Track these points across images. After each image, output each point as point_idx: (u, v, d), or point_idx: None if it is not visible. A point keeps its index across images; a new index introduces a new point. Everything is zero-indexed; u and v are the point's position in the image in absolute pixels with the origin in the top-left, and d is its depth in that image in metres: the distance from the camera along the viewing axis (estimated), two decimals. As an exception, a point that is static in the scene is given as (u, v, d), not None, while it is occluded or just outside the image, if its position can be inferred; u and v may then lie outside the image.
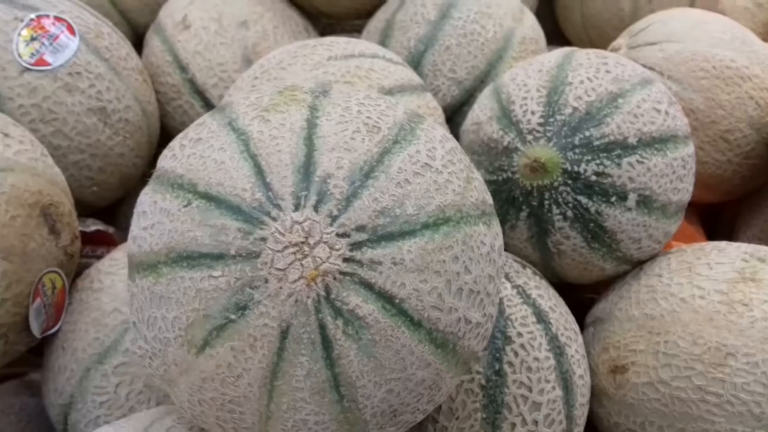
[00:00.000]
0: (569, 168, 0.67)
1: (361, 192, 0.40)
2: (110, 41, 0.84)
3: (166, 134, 0.94)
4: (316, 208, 0.40)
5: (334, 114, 0.43)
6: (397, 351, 0.40)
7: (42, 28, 0.77)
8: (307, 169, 0.40)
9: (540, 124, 0.69)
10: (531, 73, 0.73)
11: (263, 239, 0.39)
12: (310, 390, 0.40)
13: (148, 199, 0.44)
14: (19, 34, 0.75)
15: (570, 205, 0.68)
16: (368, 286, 0.39)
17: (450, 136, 0.48)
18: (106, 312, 0.66)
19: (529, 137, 0.69)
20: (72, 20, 0.79)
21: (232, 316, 0.39)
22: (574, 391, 0.65)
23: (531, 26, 0.94)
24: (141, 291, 0.42)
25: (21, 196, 0.60)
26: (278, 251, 0.39)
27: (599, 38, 1.16)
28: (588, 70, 0.71)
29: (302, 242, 0.39)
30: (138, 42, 0.97)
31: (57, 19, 0.78)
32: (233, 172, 0.41)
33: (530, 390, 0.61)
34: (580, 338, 0.69)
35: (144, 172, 0.92)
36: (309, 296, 0.39)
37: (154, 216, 0.42)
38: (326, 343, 0.39)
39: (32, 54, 0.75)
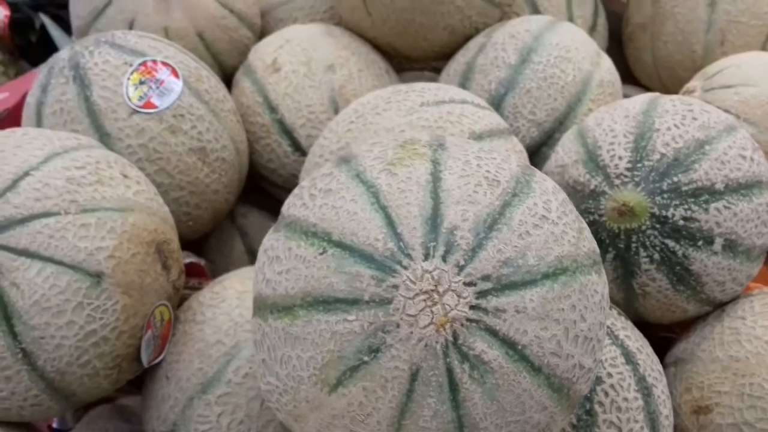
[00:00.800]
0: (657, 212, 0.69)
1: (485, 243, 0.43)
2: (209, 84, 0.89)
3: (252, 171, 0.99)
4: (444, 258, 0.42)
5: (456, 168, 0.46)
6: (519, 395, 0.42)
7: (149, 72, 0.82)
8: (434, 221, 0.43)
9: (628, 169, 0.71)
10: (617, 118, 0.75)
11: (395, 286, 0.42)
12: (435, 430, 0.42)
13: (281, 245, 0.47)
14: (129, 78, 0.81)
15: (657, 248, 0.69)
16: (493, 332, 0.42)
17: (559, 187, 0.50)
18: (210, 343, 0.70)
19: (617, 181, 0.71)
20: (176, 65, 0.84)
21: (365, 358, 0.42)
22: (660, 431, 0.66)
23: (608, 69, 0.96)
24: (274, 331, 0.46)
25: (140, 235, 0.65)
26: (409, 298, 0.42)
27: (670, 79, 1.18)
28: (674, 117, 0.73)
29: (432, 290, 0.42)
30: (226, 82, 1.02)
31: (163, 63, 0.83)
32: (365, 222, 0.44)
33: (620, 430, 0.62)
34: (664, 379, 0.70)
35: (231, 207, 0.96)
36: (438, 341, 0.41)
37: (290, 262, 0.46)
38: (453, 386, 0.41)
39: (140, 97, 0.80)
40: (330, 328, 0.43)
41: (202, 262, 0.90)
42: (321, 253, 0.44)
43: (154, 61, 0.83)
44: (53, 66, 0.83)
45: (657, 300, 0.73)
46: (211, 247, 1.02)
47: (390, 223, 0.44)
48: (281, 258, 0.47)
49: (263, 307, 0.48)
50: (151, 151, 0.81)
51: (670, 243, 0.69)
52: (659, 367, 0.71)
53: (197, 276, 0.89)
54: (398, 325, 0.41)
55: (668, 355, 0.79)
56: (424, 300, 0.42)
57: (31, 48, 1.46)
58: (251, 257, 1.03)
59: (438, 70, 1.27)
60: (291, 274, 0.45)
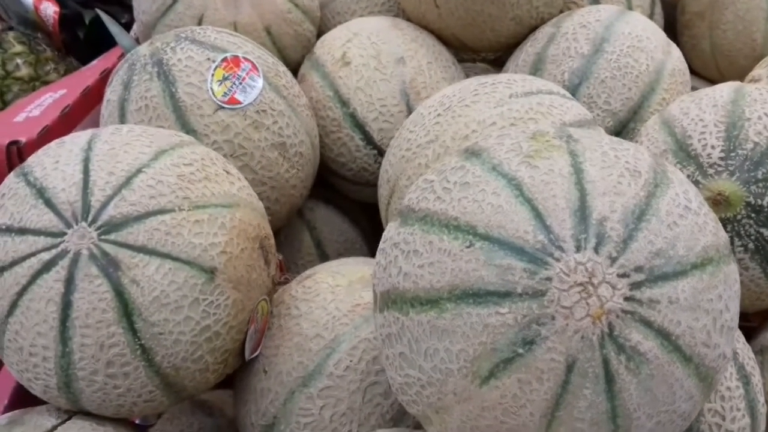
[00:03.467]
0: (752, 201, 0.69)
1: (635, 234, 0.43)
2: (286, 80, 0.89)
3: (320, 165, 0.99)
4: (596, 250, 0.43)
5: (596, 159, 0.46)
6: (671, 385, 0.43)
7: (232, 68, 0.82)
8: (582, 212, 0.44)
9: (721, 159, 0.71)
10: (705, 108, 0.75)
11: (548, 279, 0.42)
12: (589, 421, 0.42)
13: (418, 239, 0.48)
14: (212, 74, 0.81)
15: (752, 237, 0.70)
16: (648, 323, 0.42)
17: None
18: (309, 337, 0.70)
19: (710, 171, 0.71)
20: (255, 60, 0.85)
21: (520, 350, 0.42)
22: (758, 420, 0.66)
23: (678, 58, 0.96)
24: (418, 324, 0.46)
25: (246, 230, 0.65)
26: (564, 290, 0.42)
27: (729, 67, 1.17)
28: (764, 106, 0.73)
29: (586, 282, 0.42)
30: (291, 76, 1.02)
31: (244, 59, 0.83)
32: (512, 215, 0.44)
33: (723, 418, 0.63)
34: (758, 367, 0.71)
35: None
36: (594, 333, 0.42)
37: (432, 255, 0.46)
38: (609, 377, 0.42)
39: (225, 93, 0.81)
40: (482, 320, 0.43)
41: (280, 256, 0.90)
42: (468, 246, 0.44)
43: (236, 57, 0.83)
44: (134, 62, 0.83)
45: (748, 289, 0.73)
46: (280, 241, 1.02)
47: (538, 215, 0.44)
48: (420, 251, 0.47)
49: (401, 300, 0.48)
50: (236, 146, 0.81)
51: (765, 232, 0.69)
52: (753, 356, 0.71)
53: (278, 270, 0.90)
54: (553, 318, 0.42)
55: (753, 344, 0.79)
56: (579, 292, 0.42)
57: (77, 44, 1.46)
58: (319, 250, 1.04)
59: (488, 61, 1.28)
60: (435, 268, 0.46)
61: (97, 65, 1.26)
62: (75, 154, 0.62)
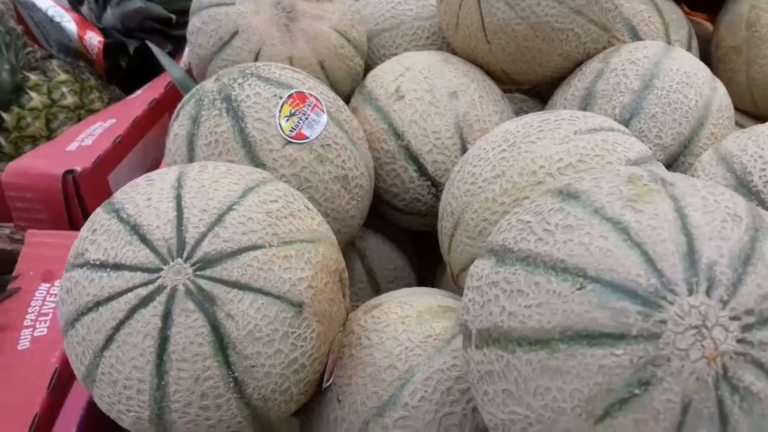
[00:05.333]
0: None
1: (744, 278, 0.45)
2: (346, 114, 0.91)
3: (373, 194, 1.01)
4: (708, 294, 0.44)
5: (698, 204, 0.48)
6: (780, 424, 0.44)
7: (298, 104, 0.84)
8: (692, 257, 0.45)
9: (784, 195, 0.73)
10: (763, 144, 0.77)
11: (663, 321, 0.44)
12: (703, 459, 0.44)
13: (522, 279, 0.50)
14: (280, 110, 0.83)
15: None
16: (759, 365, 0.44)
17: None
18: (382, 368, 0.72)
19: (773, 207, 0.73)
20: (319, 96, 0.87)
21: (636, 391, 0.44)
22: None
23: (724, 94, 0.98)
24: (526, 364, 0.48)
25: (328, 264, 0.67)
26: (679, 333, 0.44)
27: (765, 100, 1.20)
28: (822, 143, 0.75)
29: (700, 324, 0.44)
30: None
31: (309, 95, 0.86)
32: (623, 259, 0.46)
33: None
34: None
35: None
36: (709, 374, 0.43)
37: (540, 296, 0.48)
38: (723, 417, 0.43)
39: (292, 128, 0.83)
40: (596, 361, 0.45)
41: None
42: (579, 289, 0.46)
43: (301, 93, 0.85)
44: (202, 98, 0.85)
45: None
46: (332, 269, 1.04)
47: (648, 259, 0.46)
48: (526, 292, 0.49)
49: (505, 339, 0.50)
50: (302, 180, 0.83)
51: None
52: None
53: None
54: (669, 359, 0.43)
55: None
56: (694, 334, 0.44)
57: (119, 72, 1.49)
58: (370, 278, 1.06)
59: (523, 91, 1.30)
60: (544, 308, 0.47)
61: (143, 95, 1.29)
62: (167, 191, 0.64)
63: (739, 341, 0.44)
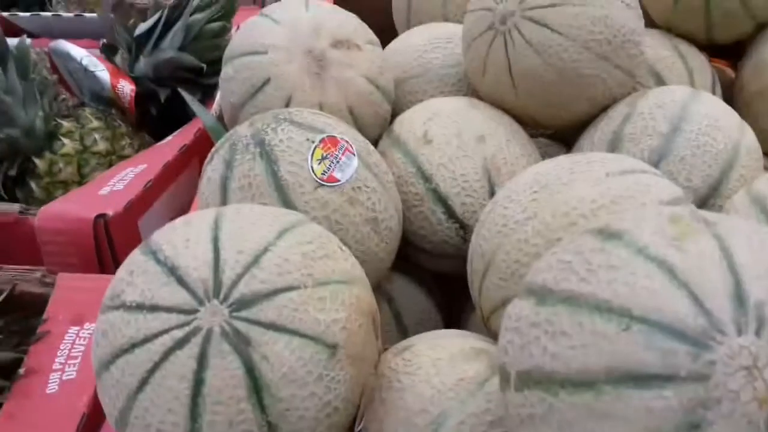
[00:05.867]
0: None
1: (793, 319, 0.44)
2: (376, 158, 0.92)
3: (402, 238, 1.01)
4: (758, 334, 0.43)
5: (742, 243, 0.48)
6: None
7: (329, 148, 0.86)
8: (739, 296, 0.45)
9: (821, 237, 0.72)
10: (796, 186, 0.77)
11: (713, 362, 0.43)
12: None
13: (565, 321, 0.49)
14: (312, 154, 0.84)
15: None
16: (811, 408, 0.42)
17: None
18: (414, 412, 0.70)
19: (811, 250, 0.72)
20: (350, 139, 0.88)
21: (687, 434, 0.43)
22: None
23: (752, 137, 0.98)
24: (571, 407, 0.47)
25: (362, 306, 0.67)
26: (729, 374, 0.43)
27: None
28: None
29: (751, 366, 0.43)
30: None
31: (340, 139, 0.87)
32: (669, 299, 0.45)
33: None
34: None
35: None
36: (761, 417, 0.42)
37: (584, 337, 0.47)
38: (776, 462, 0.42)
39: (324, 171, 0.84)
40: (644, 404, 0.44)
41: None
42: (624, 329, 0.45)
43: (333, 137, 0.87)
44: (235, 142, 0.87)
45: None
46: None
47: (695, 299, 0.45)
48: (569, 333, 0.48)
49: (548, 381, 0.49)
50: (333, 222, 0.84)
51: None
52: None
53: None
54: (719, 401, 0.42)
55: None
56: (744, 376, 0.43)
57: (149, 119, 1.52)
58: (397, 321, 1.05)
59: (546, 135, 1.31)
60: (589, 350, 0.47)
61: (173, 141, 1.31)
62: (204, 233, 0.65)
63: (791, 383, 0.42)
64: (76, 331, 0.96)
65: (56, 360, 0.93)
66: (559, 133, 1.30)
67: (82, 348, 0.94)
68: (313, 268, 0.64)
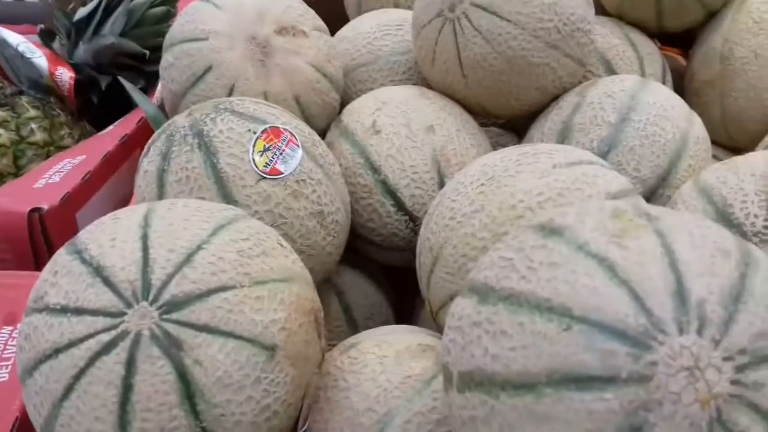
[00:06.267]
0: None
1: (735, 317, 0.43)
2: (322, 149, 0.89)
3: (351, 230, 0.99)
4: (699, 333, 0.42)
5: (684, 239, 0.46)
6: (777, 469, 0.42)
7: (272, 139, 0.82)
8: (681, 294, 0.43)
9: (765, 227, 0.72)
10: (743, 177, 0.77)
11: (654, 363, 0.42)
12: None
13: (505, 320, 0.47)
14: (254, 145, 0.81)
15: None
16: (754, 407, 0.42)
17: (763, 254, 0.51)
18: (360, 411, 0.69)
19: (755, 239, 0.72)
20: (293, 130, 0.85)
21: (627, 437, 0.41)
22: None
23: (700, 126, 0.99)
24: (511, 409, 0.45)
25: (303, 305, 0.64)
26: (671, 375, 0.42)
27: (740, 133, 1.20)
28: (801, 175, 0.74)
29: (692, 366, 0.42)
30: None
31: (283, 130, 0.84)
32: (610, 297, 0.44)
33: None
34: None
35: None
36: (703, 419, 0.41)
37: (524, 337, 0.46)
38: (720, 464, 0.41)
39: (266, 164, 0.81)
40: (585, 406, 0.42)
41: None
42: (565, 330, 0.44)
43: (275, 128, 0.84)
44: (173, 133, 0.83)
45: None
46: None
47: (636, 297, 0.44)
48: (510, 333, 0.47)
49: (489, 383, 0.47)
50: (276, 216, 0.81)
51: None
52: None
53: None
54: (661, 403, 0.41)
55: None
56: (686, 377, 0.41)
57: (90, 108, 1.47)
58: (347, 315, 1.03)
59: (498, 124, 1.30)
60: (529, 351, 0.45)
61: (114, 130, 1.26)
62: (133, 230, 0.61)
63: (733, 383, 0.42)
64: (8, 332, 0.92)
65: (-14, 362, 0.88)
66: (510, 123, 1.29)
67: (15, 348, 0.89)
68: (250, 266, 0.61)
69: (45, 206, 1.04)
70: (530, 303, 0.47)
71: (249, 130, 0.82)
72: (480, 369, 0.49)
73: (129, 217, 0.64)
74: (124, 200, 1.25)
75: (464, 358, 0.51)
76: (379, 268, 1.08)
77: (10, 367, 0.87)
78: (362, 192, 0.97)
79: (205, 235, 0.62)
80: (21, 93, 1.45)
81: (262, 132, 0.82)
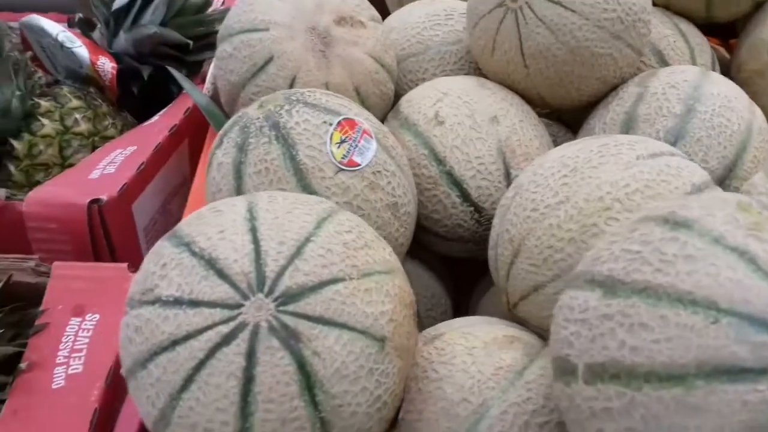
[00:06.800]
0: None
1: None
2: (392, 140, 0.90)
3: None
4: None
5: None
6: None
7: (347, 131, 0.82)
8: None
9: None
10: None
11: (807, 355, 0.42)
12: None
13: (644, 312, 0.48)
14: (331, 137, 0.81)
15: None
16: None
17: None
18: (454, 402, 0.69)
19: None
20: (365, 121, 0.85)
21: (782, 427, 0.42)
22: None
23: (761, 117, 0.99)
24: (657, 401, 0.46)
25: (404, 297, 0.65)
26: (825, 366, 0.42)
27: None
28: None
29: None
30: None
31: (357, 121, 0.84)
32: (756, 290, 0.45)
33: None
34: None
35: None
36: None
37: (668, 330, 0.46)
38: None
39: (344, 155, 0.81)
40: (739, 398, 0.43)
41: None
42: (713, 322, 0.44)
43: (349, 119, 0.84)
44: (246, 125, 0.83)
45: None
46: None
47: (782, 291, 0.44)
48: (651, 325, 0.47)
49: (627, 375, 0.48)
50: (355, 208, 0.81)
51: None
52: None
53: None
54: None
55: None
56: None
57: (130, 99, 1.46)
58: (407, 308, 1.03)
59: (543, 115, 1.30)
60: (676, 343, 0.46)
61: (161, 121, 1.26)
62: (240, 223, 0.61)
63: None
64: (78, 323, 0.92)
65: (59, 353, 0.88)
66: (557, 114, 1.29)
67: (86, 340, 0.90)
68: (356, 258, 0.62)
69: (104, 197, 1.04)
70: (670, 296, 0.47)
71: (325, 122, 0.82)
72: (616, 361, 0.49)
73: (231, 209, 0.64)
74: (173, 191, 1.25)
75: (594, 350, 0.51)
76: (438, 260, 1.09)
77: (83, 358, 0.88)
78: (427, 183, 0.97)
79: (311, 227, 0.62)
80: (57, 83, 1.44)
81: (338, 124, 0.82)
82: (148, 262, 0.63)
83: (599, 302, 0.52)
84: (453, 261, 1.11)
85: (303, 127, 0.81)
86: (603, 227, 0.72)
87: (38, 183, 1.20)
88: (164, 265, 0.61)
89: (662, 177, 0.74)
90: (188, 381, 0.57)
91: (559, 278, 0.75)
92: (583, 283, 0.56)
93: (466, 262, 1.09)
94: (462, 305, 1.12)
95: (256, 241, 0.60)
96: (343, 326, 0.58)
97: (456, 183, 0.96)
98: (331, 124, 0.82)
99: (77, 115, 1.29)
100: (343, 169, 0.81)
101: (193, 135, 1.26)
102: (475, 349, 0.73)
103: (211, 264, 0.59)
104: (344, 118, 0.83)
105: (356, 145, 0.82)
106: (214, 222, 0.63)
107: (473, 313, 1.08)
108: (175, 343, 0.57)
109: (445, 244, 1.02)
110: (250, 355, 0.56)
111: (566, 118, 1.25)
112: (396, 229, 0.86)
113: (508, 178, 0.96)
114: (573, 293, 0.57)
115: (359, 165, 0.82)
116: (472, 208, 0.96)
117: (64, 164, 1.26)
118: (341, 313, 0.58)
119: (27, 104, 1.27)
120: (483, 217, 0.96)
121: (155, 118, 1.30)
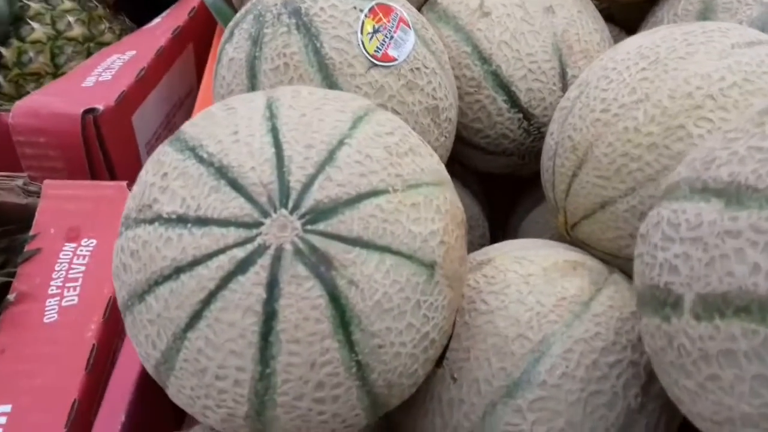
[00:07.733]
0: None
1: None
2: (431, 33, 0.76)
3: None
4: None
5: None
6: None
7: (381, 19, 0.69)
8: None
9: None
10: None
11: None
12: None
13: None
14: (362, 26, 0.68)
15: None
16: None
17: None
18: (509, 338, 0.59)
19: None
20: (402, 8, 0.72)
21: None
22: None
23: None
24: None
25: (456, 214, 0.53)
26: None
27: None
28: None
29: None
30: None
31: (393, 7, 0.70)
32: None
33: None
34: None
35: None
36: None
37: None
38: None
39: (377, 48, 0.68)
40: None
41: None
42: None
43: (384, 5, 0.70)
44: (261, 13, 0.69)
45: None
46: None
47: None
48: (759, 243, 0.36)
49: (762, 309, 0.37)
50: (389, 112, 0.68)
51: None
52: None
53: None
54: None
55: None
56: None
57: (128, 1, 1.32)
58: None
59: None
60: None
61: (163, 23, 1.12)
62: (257, 122, 0.49)
63: None
64: (72, 249, 0.81)
65: (52, 283, 0.78)
66: (605, 11, 1.14)
67: (82, 268, 0.79)
68: (401, 166, 0.50)
69: (100, 107, 0.92)
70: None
71: (355, 7, 0.69)
72: (744, 291, 0.38)
73: (247, 106, 0.52)
74: (179, 101, 1.12)
75: (712, 277, 0.40)
76: (474, 177, 0.97)
77: (79, 289, 0.78)
78: (468, 86, 0.84)
79: (345, 128, 0.50)
80: (49, -17, 1.29)
81: (370, 10, 0.69)
82: (147, 172, 0.52)
83: (720, 215, 0.40)
84: (489, 178, 0.99)
85: (329, 13, 0.68)
86: (692, 130, 0.60)
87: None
88: (165, 174, 0.49)
89: (763, 69, 0.61)
90: (195, 317, 0.46)
91: (633, 192, 0.63)
92: (690, 193, 0.44)
93: (503, 179, 0.97)
94: (498, 227, 1.00)
95: (278, 145, 0.48)
96: (385, 249, 0.47)
97: (503, 85, 0.82)
98: (362, 10, 0.69)
99: (70, 18, 1.16)
100: (376, 65, 0.68)
101: (199, 39, 1.13)
102: (531, 277, 0.62)
103: (223, 173, 0.47)
104: (377, 3, 0.70)
105: (392, 36, 0.69)
106: (226, 121, 0.51)
107: (515, 237, 0.97)
108: (178, 270, 0.46)
109: (486, 158, 0.90)
110: (272, 286, 0.45)
111: (620, 18, 1.10)
112: (435, 138, 0.74)
113: (564, 80, 0.83)
114: (676, 205, 0.45)
115: (395, 60, 0.69)
116: (520, 115, 0.83)
117: (57, 73, 1.14)
118: (383, 233, 0.47)
119: (15, 6, 1.14)
120: (533, 126, 0.84)
121: (156, 20, 1.16)
